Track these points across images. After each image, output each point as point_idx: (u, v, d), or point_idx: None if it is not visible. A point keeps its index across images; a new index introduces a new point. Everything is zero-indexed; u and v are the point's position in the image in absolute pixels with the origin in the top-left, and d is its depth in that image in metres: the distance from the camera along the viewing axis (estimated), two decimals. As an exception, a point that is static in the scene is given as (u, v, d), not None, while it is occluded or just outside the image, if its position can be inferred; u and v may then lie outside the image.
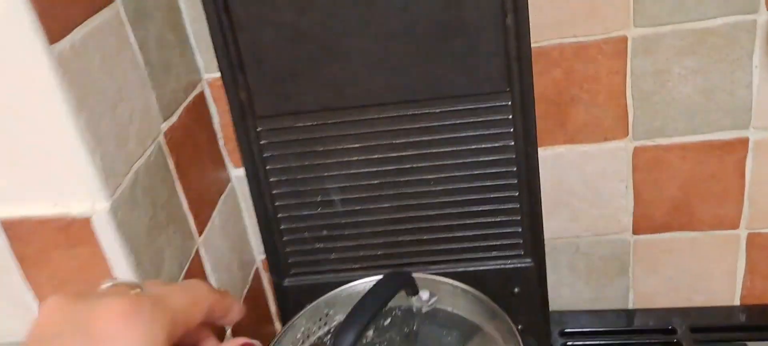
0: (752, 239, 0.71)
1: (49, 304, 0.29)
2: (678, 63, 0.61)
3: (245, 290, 0.78)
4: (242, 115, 0.67)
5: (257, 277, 0.82)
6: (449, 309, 0.59)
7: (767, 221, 0.69)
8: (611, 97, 0.65)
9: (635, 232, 0.73)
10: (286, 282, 0.74)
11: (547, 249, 0.75)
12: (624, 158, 0.68)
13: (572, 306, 0.79)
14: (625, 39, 0.62)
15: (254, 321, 0.80)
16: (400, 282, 0.54)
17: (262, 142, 0.68)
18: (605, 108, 0.65)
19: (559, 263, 0.77)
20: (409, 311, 0.59)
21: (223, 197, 0.74)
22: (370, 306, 0.48)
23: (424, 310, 0.59)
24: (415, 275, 0.56)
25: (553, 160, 0.69)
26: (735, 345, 0.71)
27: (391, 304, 0.57)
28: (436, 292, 0.59)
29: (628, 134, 0.67)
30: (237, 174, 0.76)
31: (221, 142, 0.74)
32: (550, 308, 0.77)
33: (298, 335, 0.60)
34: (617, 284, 0.77)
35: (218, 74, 0.66)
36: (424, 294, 0.58)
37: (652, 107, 0.64)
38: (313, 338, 0.61)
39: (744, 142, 0.65)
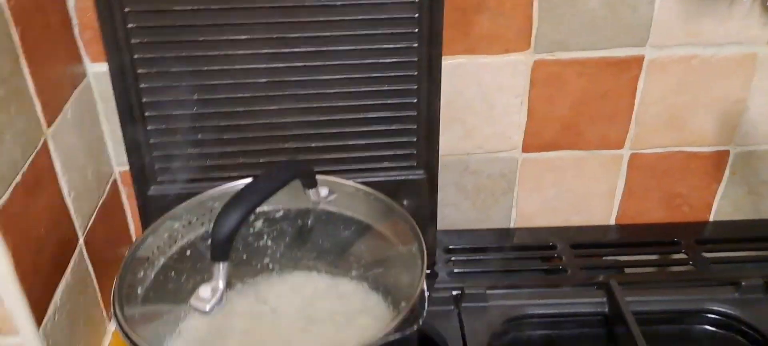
0: (633, 160, 0.73)
1: None
2: (587, -28, 0.60)
3: (100, 203, 0.68)
4: (108, -7, 0.57)
5: (115, 190, 0.72)
6: (347, 212, 0.54)
7: (649, 142, 0.71)
8: (517, 6, 0.62)
9: (525, 149, 0.72)
10: (152, 191, 0.65)
11: (437, 166, 0.73)
12: (523, 72, 0.66)
13: (456, 226, 0.78)
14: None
15: (111, 239, 0.71)
16: (297, 170, 0.48)
17: (129, 26, 0.58)
18: (510, 17, 0.63)
19: (446, 181, 0.75)
20: (303, 209, 0.53)
21: (77, 91, 0.63)
22: (260, 189, 0.42)
23: (320, 206, 0.53)
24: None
25: (453, 71, 0.66)
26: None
27: (284, 203, 0.51)
28: (335, 191, 0.53)
29: (529, 46, 0.65)
30: (96, 70, 0.65)
31: (76, 30, 0.63)
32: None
33: (165, 237, 0.52)
34: (502, 204, 0.77)
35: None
36: (323, 190, 0.53)
37: (557, 19, 0.63)
38: (183, 241, 0.53)
39: (639, 61, 0.65)
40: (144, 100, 0.62)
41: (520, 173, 0.74)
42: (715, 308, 0.64)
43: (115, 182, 0.72)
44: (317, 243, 0.54)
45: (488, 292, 0.66)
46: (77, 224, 0.62)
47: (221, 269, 0.41)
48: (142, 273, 0.48)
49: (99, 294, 0.66)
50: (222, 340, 0.50)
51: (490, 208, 0.77)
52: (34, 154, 0.53)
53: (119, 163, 0.72)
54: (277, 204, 0.54)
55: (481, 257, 0.74)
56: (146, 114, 0.62)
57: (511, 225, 0.79)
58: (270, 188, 0.43)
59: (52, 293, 0.56)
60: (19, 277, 0.50)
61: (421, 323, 0.42)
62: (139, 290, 0.47)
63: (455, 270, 0.72)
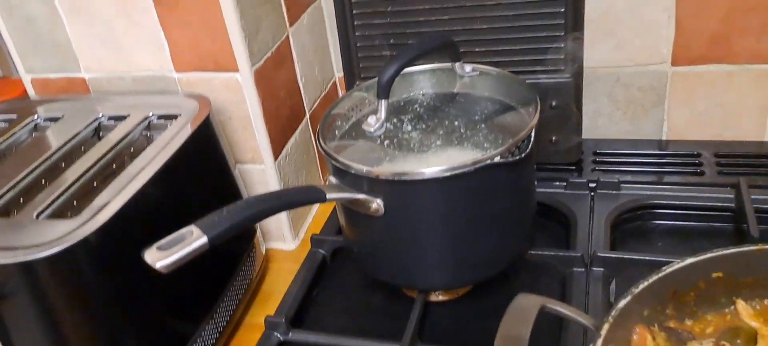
0: (785, 76, 0.76)
1: None
2: None
3: (322, 94, 0.91)
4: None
5: (334, 89, 0.95)
6: (486, 93, 0.69)
7: (801, 57, 0.74)
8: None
9: (674, 63, 0.80)
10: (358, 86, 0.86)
11: (588, 79, 0.83)
12: (669, -13, 0.74)
13: (609, 136, 0.88)
14: None
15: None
16: (443, 39, 0.64)
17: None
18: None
19: (599, 92, 0.85)
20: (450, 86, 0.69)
21: (312, 6, 0.86)
22: (412, 48, 0.59)
23: (463, 78, 0.68)
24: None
25: (603, -13, 0.76)
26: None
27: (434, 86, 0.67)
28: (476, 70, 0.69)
29: (674, -37, 0.73)
30: (325, -6, 0.88)
31: (312, -40, 0.86)
32: (587, 137, 0.86)
33: (355, 101, 0.70)
34: (653, 116, 0.84)
35: None
36: (467, 67, 0.68)
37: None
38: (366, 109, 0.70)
39: (786, -28, 0.69)
40: (354, 12, 0.82)
41: (671, 85, 0.81)
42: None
43: (334, 83, 0.96)
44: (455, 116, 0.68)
45: (621, 181, 0.77)
46: (305, 102, 0.86)
47: (383, 104, 0.60)
48: (339, 123, 0.68)
49: (317, 159, 0.90)
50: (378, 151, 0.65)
51: (641, 119, 0.85)
52: (279, 41, 0.77)
53: (339, 70, 0.95)
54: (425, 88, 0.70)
55: (624, 159, 0.83)
56: (356, 23, 0.83)
57: (663, 137, 0.86)
58: (421, 49, 0.60)
59: (285, 143, 0.80)
60: (265, 120, 0.75)
61: (523, 155, 0.56)
62: (336, 132, 0.68)
63: (598, 168, 0.82)
